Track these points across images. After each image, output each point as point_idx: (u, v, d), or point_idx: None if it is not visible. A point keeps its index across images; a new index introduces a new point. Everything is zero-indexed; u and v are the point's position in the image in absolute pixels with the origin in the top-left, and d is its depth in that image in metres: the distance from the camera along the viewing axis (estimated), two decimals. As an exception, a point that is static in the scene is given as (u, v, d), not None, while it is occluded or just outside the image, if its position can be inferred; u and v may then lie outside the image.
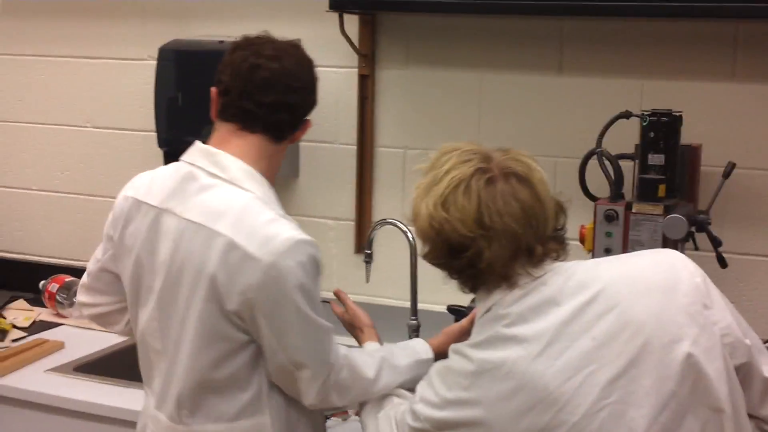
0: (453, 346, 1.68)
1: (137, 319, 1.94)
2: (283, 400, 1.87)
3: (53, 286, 3.10)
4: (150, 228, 1.87)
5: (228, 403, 1.83)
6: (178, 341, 1.83)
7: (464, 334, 2.00)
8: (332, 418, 2.31)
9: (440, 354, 1.96)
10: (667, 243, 2.27)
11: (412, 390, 1.89)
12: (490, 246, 1.58)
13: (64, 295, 3.08)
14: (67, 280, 3.13)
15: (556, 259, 1.65)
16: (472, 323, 1.99)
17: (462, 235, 1.59)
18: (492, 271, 1.60)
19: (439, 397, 1.64)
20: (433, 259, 1.67)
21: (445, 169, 1.64)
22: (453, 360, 1.66)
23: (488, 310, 1.64)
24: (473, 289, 1.69)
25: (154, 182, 1.92)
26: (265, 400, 1.85)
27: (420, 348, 2.00)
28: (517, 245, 1.59)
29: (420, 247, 1.72)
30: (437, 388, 1.65)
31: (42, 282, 3.14)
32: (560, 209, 1.70)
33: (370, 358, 1.91)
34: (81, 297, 2.12)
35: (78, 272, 3.15)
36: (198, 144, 1.91)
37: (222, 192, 1.82)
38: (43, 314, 3.11)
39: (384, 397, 1.89)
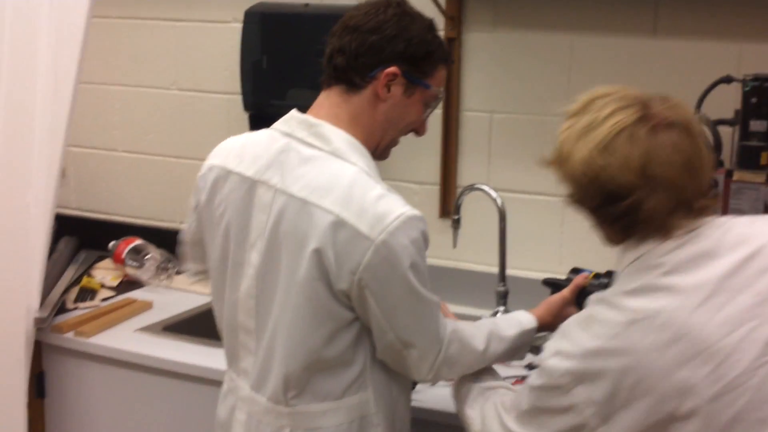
0: (597, 296, 1.63)
1: (223, 294, 1.88)
2: (385, 376, 1.84)
3: (122, 248, 3.11)
4: (243, 200, 1.80)
5: (335, 382, 1.80)
6: (279, 320, 1.77)
7: (566, 305, 1.99)
8: (418, 384, 2.29)
9: (543, 325, 1.97)
10: (766, 211, 2.20)
11: (511, 358, 1.91)
12: (650, 197, 1.53)
13: (132, 257, 3.09)
14: (136, 243, 3.13)
15: (710, 213, 1.61)
16: (573, 293, 2.00)
17: (621, 184, 1.53)
18: (649, 223, 1.56)
19: (580, 348, 1.57)
20: (582, 203, 1.62)
21: (604, 114, 1.58)
22: (597, 310, 1.59)
23: (637, 259, 1.59)
24: (622, 239, 1.63)
25: (245, 151, 1.84)
26: (368, 377, 1.82)
27: (524, 318, 1.96)
28: (678, 198, 1.55)
29: (566, 189, 1.66)
30: (578, 339, 1.58)
31: (112, 242, 3.16)
32: (715, 163, 1.66)
33: (478, 331, 1.87)
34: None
35: (163, 233, 3.28)
36: (295, 113, 1.83)
37: (326, 165, 1.74)
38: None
39: (486, 389, 1.86)
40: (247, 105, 3.01)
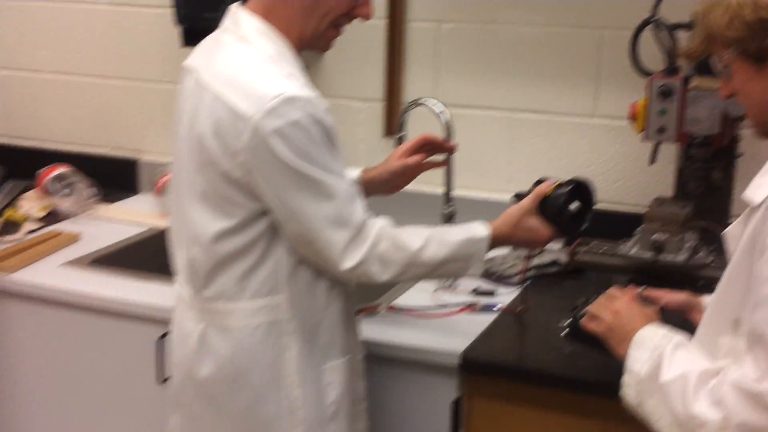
0: None
1: None
2: (308, 281, 1.78)
3: (45, 177, 2.93)
4: (181, 90, 1.85)
5: (242, 279, 1.76)
6: (186, 206, 1.79)
7: (526, 214, 1.87)
8: (360, 314, 2.16)
9: (500, 235, 1.85)
10: (726, 121, 2.06)
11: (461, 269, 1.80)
12: None
13: (57, 186, 2.91)
14: (60, 170, 2.95)
15: None
16: (534, 202, 1.87)
17: None
18: None
19: None
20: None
21: None
22: None
23: None
24: None
25: (200, 44, 1.88)
26: (284, 278, 1.76)
27: (476, 227, 1.86)
28: None
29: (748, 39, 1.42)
30: None
31: (38, 171, 2.97)
32: None
33: (416, 230, 1.81)
34: None
35: (95, 161, 3.11)
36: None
37: (230, 49, 1.75)
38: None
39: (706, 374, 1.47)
40: (180, 18, 2.81)
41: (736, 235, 1.48)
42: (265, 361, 1.79)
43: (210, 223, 1.75)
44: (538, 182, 1.93)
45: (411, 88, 2.76)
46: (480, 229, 1.86)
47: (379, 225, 1.76)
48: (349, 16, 1.79)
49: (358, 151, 2.84)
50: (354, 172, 2.08)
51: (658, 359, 1.49)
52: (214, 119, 1.68)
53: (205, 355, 1.81)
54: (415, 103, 2.43)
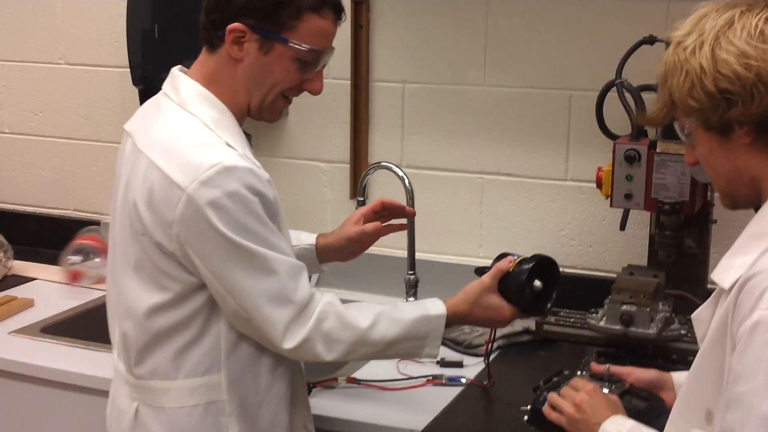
0: None
1: None
2: (249, 360, 1.71)
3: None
4: (120, 155, 1.80)
5: (176, 357, 1.68)
6: (120, 278, 1.72)
7: (486, 292, 1.81)
8: (317, 387, 2.08)
9: (457, 313, 1.78)
10: (696, 187, 1.99)
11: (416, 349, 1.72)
12: None
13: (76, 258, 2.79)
14: (79, 242, 2.81)
15: None
16: (495, 279, 1.80)
17: None
18: None
19: None
20: (747, 113, 1.31)
21: (727, 17, 1.32)
22: None
23: None
24: None
25: (138, 109, 1.85)
26: (223, 357, 1.69)
27: (432, 304, 1.79)
28: None
29: (709, 112, 1.34)
30: None
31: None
32: None
33: (366, 307, 1.76)
34: None
35: (56, 221, 3.06)
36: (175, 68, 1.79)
37: (168, 115, 1.70)
38: (16, 268, 2.89)
39: None
40: (137, 79, 2.77)
41: (704, 318, 1.39)
42: None
43: (143, 296, 1.67)
44: (500, 257, 1.86)
45: (378, 149, 2.71)
46: (436, 307, 1.78)
47: (325, 301, 1.69)
48: (298, 89, 1.74)
49: (325, 213, 2.79)
50: (309, 238, 2.01)
51: None
52: (148, 187, 1.62)
53: None
54: (377, 166, 2.36)
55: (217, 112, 1.68)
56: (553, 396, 1.61)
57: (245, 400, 1.71)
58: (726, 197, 1.42)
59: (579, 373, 1.72)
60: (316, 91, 1.75)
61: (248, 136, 1.75)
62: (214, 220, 1.57)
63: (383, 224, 2.00)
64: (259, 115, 1.74)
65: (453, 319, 1.78)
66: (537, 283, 1.79)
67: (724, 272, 1.33)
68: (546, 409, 1.61)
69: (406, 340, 1.74)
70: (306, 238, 2.02)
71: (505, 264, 1.81)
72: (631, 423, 1.46)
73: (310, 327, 1.65)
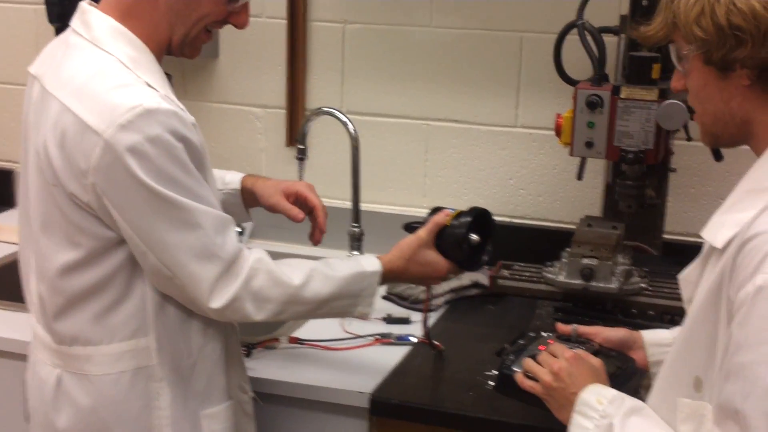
0: None
1: None
2: (179, 321, 1.62)
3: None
4: (27, 100, 1.66)
5: (98, 320, 1.59)
6: (31, 236, 1.62)
7: (422, 247, 1.75)
8: (257, 348, 1.97)
9: (393, 270, 1.72)
10: (660, 135, 1.91)
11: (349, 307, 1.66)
12: None
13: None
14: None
15: None
16: (431, 234, 1.74)
17: None
18: None
19: None
20: (755, 56, 1.22)
21: None
22: None
23: None
24: None
25: (44, 49, 1.70)
26: (150, 319, 1.60)
27: (366, 261, 1.74)
28: None
29: (716, 46, 1.24)
30: None
31: None
32: None
33: (298, 264, 1.68)
34: None
35: None
36: (84, 2, 1.65)
37: (81, 55, 1.57)
38: None
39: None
40: (53, 16, 2.59)
41: (692, 279, 1.32)
42: (132, 412, 1.61)
43: (55, 254, 1.57)
44: (435, 211, 1.80)
45: (316, 94, 2.60)
46: (370, 263, 1.72)
47: (254, 258, 1.61)
48: (223, 22, 1.65)
49: (259, 161, 2.70)
50: (234, 180, 1.91)
51: (607, 430, 1.32)
52: (60, 133, 1.51)
53: (63, 404, 1.63)
54: (319, 112, 2.24)
55: (134, 50, 1.56)
56: (529, 363, 1.51)
57: (177, 364, 1.63)
58: (708, 135, 1.35)
59: (543, 334, 1.63)
60: (242, 25, 1.66)
61: (168, 76, 1.63)
62: (134, 167, 1.46)
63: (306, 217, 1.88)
64: (180, 52, 1.64)
65: (388, 276, 1.73)
66: (474, 236, 1.75)
67: (716, 230, 1.25)
68: (519, 376, 1.52)
69: (340, 298, 1.69)
70: (231, 180, 1.90)
71: (441, 217, 1.76)
72: (612, 393, 1.38)
73: (238, 285, 1.57)
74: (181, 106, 1.54)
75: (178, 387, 1.63)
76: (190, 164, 1.52)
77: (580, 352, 1.48)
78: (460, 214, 1.76)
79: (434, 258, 1.75)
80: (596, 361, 1.47)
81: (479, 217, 1.77)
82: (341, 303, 1.69)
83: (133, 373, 1.60)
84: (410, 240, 1.76)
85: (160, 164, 1.48)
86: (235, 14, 1.63)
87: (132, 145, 1.45)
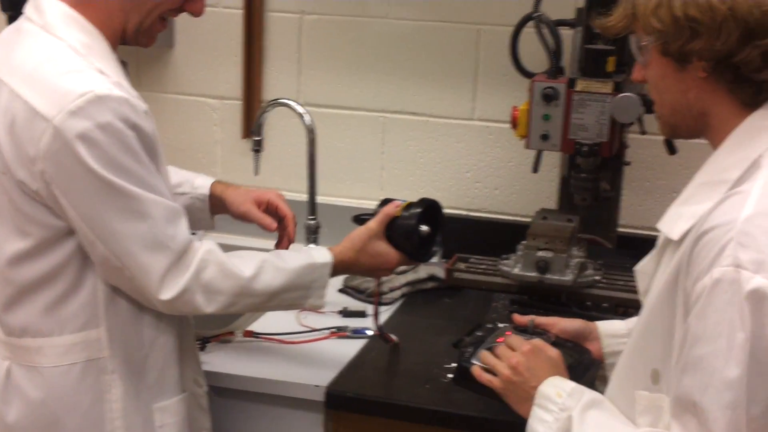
0: None
1: None
2: (131, 311, 1.60)
3: None
4: None
5: (48, 312, 1.56)
6: None
7: (373, 238, 1.75)
8: (212, 342, 1.95)
9: (343, 261, 1.72)
10: (614, 128, 1.92)
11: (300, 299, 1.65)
12: None
13: None
14: None
15: None
16: (382, 225, 1.74)
17: (766, 11, 1.19)
18: None
19: None
20: (710, 48, 1.22)
21: None
22: None
23: None
24: (755, 99, 1.26)
25: None
26: (101, 310, 1.57)
27: (317, 252, 1.74)
28: None
29: (672, 39, 1.24)
30: None
31: None
32: None
33: (249, 256, 1.67)
34: None
35: None
36: None
37: (32, 41, 1.54)
38: None
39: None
40: (5, 4, 2.51)
41: (648, 272, 1.32)
42: (83, 405, 1.58)
43: (4, 244, 1.55)
44: (384, 202, 1.80)
45: (272, 86, 2.57)
46: (321, 255, 1.72)
47: (205, 249, 1.59)
48: (179, 10, 1.63)
49: (215, 153, 2.66)
50: (203, 185, 1.89)
51: (566, 423, 1.32)
52: (9, 119, 1.48)
53: (13, 397, 1.60)
54: (275, 103, 2.22)
55: (87, 36, 1.53)
56: (486, 356, 1.51)
57: (129, 356, 1.61)
58: (666, 126, 1.35)
59: (501, 325, 1.63)
60: (197, 13, 1.64)
61: (124, 63, 1.61)
62: (83, 155, 1.43)
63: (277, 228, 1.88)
64: (134, 40, 1.61)
65: (339, 267, 1.73)
66: (424, 227, 1.75)
67: (673, 222, 1.25)
68: (477, 370, 1.51)
69: (291, 290, 1.67)
70: (200, 185, 1.88)
71: (392, 209, 1.76)
72: (571, 385, 1.38)
73: (188, 276, 1.55)
74: (134, 93, 1.51)
75: (129, 380, 1.60)
76: (141, 153, 1.49)
77: (538, 342, 1.48)
78: (410, 206, 1.76)
79: (385, 249, 1.75)
80: (554, 353, 1.47)
81: (429, 209, 1.77)
82: (293, 295, 1.68)
83: (83, 365, 1.57)
84: (361, 231, 1.76)
85: (110, 152, 1.45)
86: (191, 2, 1.61)
87: (82, 131, 1.43)
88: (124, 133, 1.46)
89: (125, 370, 1.60)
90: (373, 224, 1.75)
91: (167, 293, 1.53)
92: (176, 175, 1.88)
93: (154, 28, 1.61)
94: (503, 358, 1.47)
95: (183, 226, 1.56)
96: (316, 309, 1.74)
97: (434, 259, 2.20)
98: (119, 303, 1.58)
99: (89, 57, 1.50)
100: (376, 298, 1.92)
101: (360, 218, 1.82)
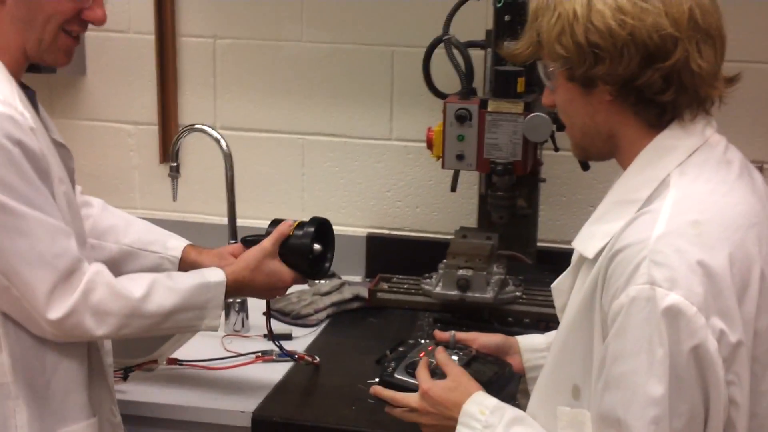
0: None
1: None
2: (32, 337, 1.55)
3: None
4: None
5: None
6: None
7: (267, 257, 1.75)
8: (135, 370, 1.93)
9: (238, 280, 1.72)
10: (527, 146, 1.96)
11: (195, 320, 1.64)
12: (700, 51, 1.23)
13: None
14: None
15: None
16: (276, 244, 1.74)
17: (664, 35, 1.21)
18: (697, 85, 1.24)
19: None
20: (613, 72, 1.24)
21: None
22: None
23: (698, 149, 1.27)
24: (660, 120, 1.28)
25: None
26: (2, 334, 1.53)
27: (210, 272, 1.72)
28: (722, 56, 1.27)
29: (576, 63, 1.26)
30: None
31: None
32: None
33: (139, 276, 1.66)
34: None
35: None
36: None
37: None
38: None
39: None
40: None
41: (565, 288, 1.34)
42: None
43: None
44: (274, 223, 1.81)
45: (189, 110, 2.55)
46: (214, 274, 1.70)
47: (93, 271, 1.56)
48: (78, 21, 1.58)
49: (133, 179, 2.63)
50: (175, 248, 1.87)
51: None
52: None
53: None
54: (191, 129, 2.20)
55: None
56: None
57: (32, 381, 1.56)
58: (578, 148, 1.38)
59: (423, 341, 1.65)
60: (98, 20, 1.60)
61: (31, 92, 1.58)
62: None
63: None
64: (41, 59, 1.58)
65: (233, 287, 1.71)
66: (317, 246, 1.78)
67: (587, 240, 1.28)
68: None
69: (185, 310, 1.65)
70: (173, 247, 1.87)
71: (284, 228, 1.77)
72: (493, 402, 1.40)
73: (76, 297, 1.52)
74: (24, 112, 1.49)
75: (34, 404, 1.56)
76: (27, 169, 1.47)
77: (422, 379, 1.48)
78: (301, 224, 1.78)
79: (279, 268, 1.75)
80: (452, 384, 1.47)
81: (320, 226, 1.79)
82: (187, 315, 1.66)
83: None
84: (255, 251, 1.75)
85: None
86: (87, 9, 1.58)
87: None
88: (6, 149, 1.44)
89: (29, 394, 1.56)
90: (267, 244, 1.74)
91: (55, 312, 1.50)
92: (148, 233, 1.87)
93: (59, 43, 1.57)
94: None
95: (70, 246, 1.53)
96: (213, 329, 1.71)
97: (324, 279, 2.25)
98: (20, 328, 1.54)
99: None
100: (267, 313, 1.88)
101: (247, 240, 1.83)
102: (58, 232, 1.51)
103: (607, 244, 1.24)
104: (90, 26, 1.61)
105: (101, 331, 1.56)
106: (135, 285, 1.60)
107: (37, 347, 1.56)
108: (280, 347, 1.92)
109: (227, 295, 1.70)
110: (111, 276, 1.58)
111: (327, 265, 1.82)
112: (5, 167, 1.44)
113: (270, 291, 1.79)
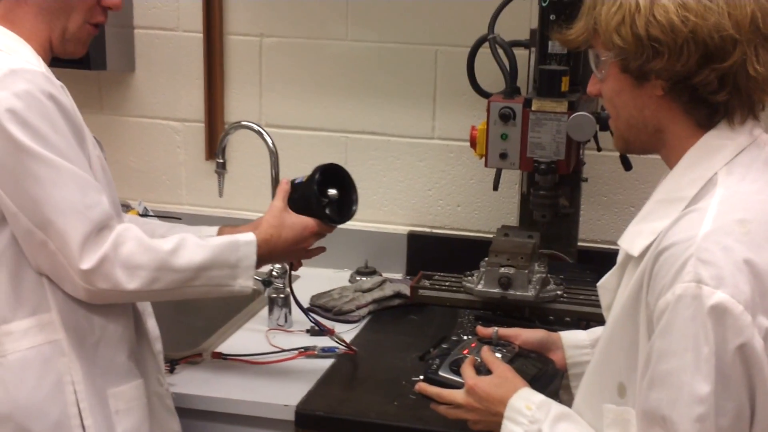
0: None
1: None
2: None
3: None
4: None
5: (2, 297, 1.54)
6: None
7: (282, 212, 1.76)
8: (180, 363, 1.96)
9: (267, 239, 1.72)
10: (570, 146, 1.96)
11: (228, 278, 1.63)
12: (758, 56, 1.23)
13: None
14: None
15: None
16: (284, 200, 1.76)
17: (725, 36, 1.21)
18: (752, 89, 1.24)
19: None
20: (670, 68, 1.23)
21: None
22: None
23: (745, 149, 1.27)
24: (710, 121, 1.28)
25: None
26: (49, 293, 1.55)
27: (238, 234, 1.72)
28: None
29: (633, 56, 1.25)
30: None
31: None
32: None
33: (168, 232, 1.70)
34: None
35: None
36: None
37: None
38: None
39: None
40: None
41: (611, 287, 1.35)
42: (44, 388, 1.56)
43: None
44: (318, 169, 1.83)
45: (234, 108, 2.57)
46: (243, 235, 1.70)
47: (122, 227, 1.58)
48: (99, 9, 1.63)
49: (179, 175, 2.66)
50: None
51: None
52: None
53: None
54: (237, 126, 2.22)
55: (12, 41, 1.55)
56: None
57: (82, 341, 1.59)
58: (621, 140, 1.37)
59: (465, 338, 1.65)
60: (115, 6, 1.64)
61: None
62: (2, 121, 1.45)
63: None
64: (63, 50, 1.62)
65: (264, 247, 1.70)
66: (332, 191, 1.78)
67: (633, 238, 1.28)
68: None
69: (216, 267, 1.64)
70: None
71: (284, 184, 1.79)
72: (539, 398, 1.40)
73: (106, 248, 1.53)
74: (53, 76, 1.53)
75: (86, 363, 1.58)
76: (61, 124, 1.50)
77: (468, 375, 1.49)
78: (294, 180, 1.81)
79: (298, 219, 1.75)
80: (496, 381, 1.48)
81: (329, 173, 1.80)
82: (218, 273, 1.65)
83: (41, 348, 1.55)
84: (269, 212, 1.76)
85: (27, 118, 1.46)
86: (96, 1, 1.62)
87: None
88: (41, 102, 1.47)
89: (81, 353, 1.58)
90: (276, 202, 1.77)
91: (86, 262, 1.51)
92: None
93: (81, 33, 1.62)
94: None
95: (102, 201, 1.54)
96: (245, 292, 1.70)
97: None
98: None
99: (10, 54, 1.52)
100: (295, 266, 1.90)
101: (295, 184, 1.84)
102: (90, 185, 1.53)
103: (653, 242, 1.24)
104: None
105: (133, 284, 1.56)
106: (164, 240, 1.61)
107: (85, 309, 1.58)
108: (316, 323, 1.94)
109: (259, 256, 1.69)
110: (140, 232, 1.59)
111: (354, 207, 1.82)
112: (40, 119, 1.47)
113: (301, 242, 1.77)
